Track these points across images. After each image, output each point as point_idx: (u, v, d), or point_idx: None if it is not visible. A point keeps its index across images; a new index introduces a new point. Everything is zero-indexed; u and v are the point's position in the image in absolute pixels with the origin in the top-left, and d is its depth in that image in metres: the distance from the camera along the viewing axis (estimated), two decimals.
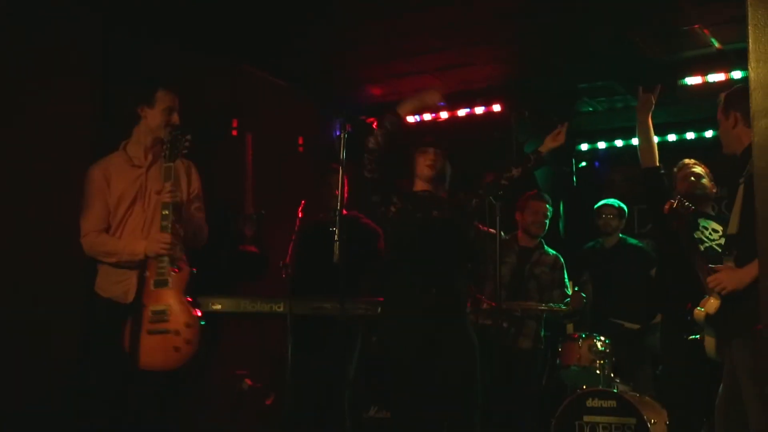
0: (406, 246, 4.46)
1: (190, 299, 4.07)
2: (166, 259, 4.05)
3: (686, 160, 5.27)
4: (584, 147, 8.77)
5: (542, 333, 6.11)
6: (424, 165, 4.55)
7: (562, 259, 6.25)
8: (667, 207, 4.35)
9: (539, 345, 6.09)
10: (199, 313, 4.08)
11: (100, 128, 4.48)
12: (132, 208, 4.21)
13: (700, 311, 3.98)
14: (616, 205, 6.63)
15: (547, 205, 6.25)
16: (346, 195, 5.25)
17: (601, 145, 8.67)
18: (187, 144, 4.12)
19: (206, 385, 5.64)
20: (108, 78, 5.31)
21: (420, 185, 4.60)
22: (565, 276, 6.25)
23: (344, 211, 5.22)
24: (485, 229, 5.05)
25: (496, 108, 7.42)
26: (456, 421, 4.29)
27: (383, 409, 5.58)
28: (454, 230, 4.47)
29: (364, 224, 5.52)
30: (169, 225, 4.03)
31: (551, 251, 6.26)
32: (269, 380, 5.55)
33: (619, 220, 6.58)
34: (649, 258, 6.32)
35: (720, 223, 4.90)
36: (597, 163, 8.85)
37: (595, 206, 6.69)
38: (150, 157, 4.26)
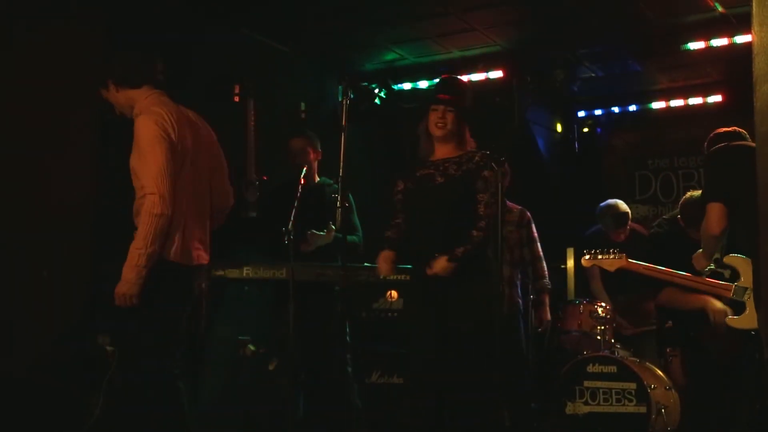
0: (411, 217, 4.41)
1: None
2: None
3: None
4: (582, 113, 8.78)
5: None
6: (433, 124, 4.34)
7: (527, 213, 5.97)
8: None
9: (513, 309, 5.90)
10: None
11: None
12: None
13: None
14: None
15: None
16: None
17: (601, 111, 8.66)
18: None
19: (209, 350, 5.68)
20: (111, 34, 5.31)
21: (437, 150, 4.39)
22: (533, 229, 5.95)
23: (317, 178, 5.32)
24: None
25: (498, 75, 7.38)
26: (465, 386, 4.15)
27: (386, 374, 5.60)
28: (453, 193, 4.26)
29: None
30: None
31: (516, 207, 5.97)
32: (272, 346, 5.58)
33: None
34: None
35: None
36: (599, 129, 8.84)
37: None
38: None
